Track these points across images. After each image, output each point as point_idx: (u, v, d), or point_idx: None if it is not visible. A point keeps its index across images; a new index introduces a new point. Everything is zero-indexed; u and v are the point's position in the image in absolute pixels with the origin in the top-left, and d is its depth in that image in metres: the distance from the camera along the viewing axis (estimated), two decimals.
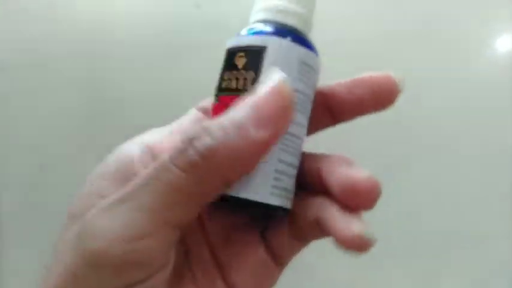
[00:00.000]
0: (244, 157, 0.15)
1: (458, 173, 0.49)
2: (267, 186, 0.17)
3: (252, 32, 0.20)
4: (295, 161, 0.19)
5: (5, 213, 0.47)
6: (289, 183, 0.18)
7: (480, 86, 0.55)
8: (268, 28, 0.19)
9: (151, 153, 0.19)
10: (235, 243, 0.20)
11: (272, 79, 0.16)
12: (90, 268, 0.16)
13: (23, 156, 0.51)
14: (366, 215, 0.19)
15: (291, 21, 0.19)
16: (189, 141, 0.15)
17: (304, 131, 0.19)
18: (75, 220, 0.18)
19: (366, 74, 0.19)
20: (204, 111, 0.22)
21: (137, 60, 0.58)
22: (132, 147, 0.20)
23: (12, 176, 0.50)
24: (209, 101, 0.21)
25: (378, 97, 0.19)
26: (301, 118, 0.19)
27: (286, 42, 0.19)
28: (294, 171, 0.19)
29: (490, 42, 0.59)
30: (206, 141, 0.15)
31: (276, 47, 0.18)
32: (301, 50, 0.19)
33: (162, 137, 0.20)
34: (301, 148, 0.19)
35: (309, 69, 0.19)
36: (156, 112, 0.54)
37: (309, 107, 0.19)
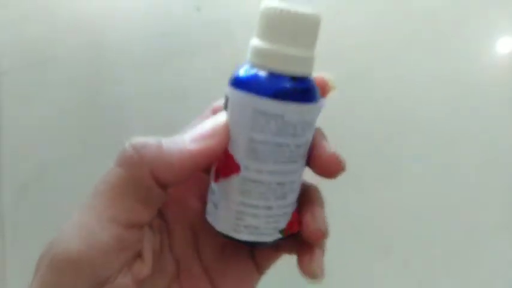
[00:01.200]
0: (173, 161, 0.18)
1: (458, 173, 0.49)
2: (229, 222, 0.20)
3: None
4: (263, 203, 0.20)
5: (5, 213, 0.48)
6: (257, 222, 0.20)
7: (479, 86, 0.55)
8: (234, 76, 0.20)
9: None
10: (228, 256, 0.22)
11: (214, 118, 0.19)
12: (54, 273, 0.17)
13: (23, 156, 0.51)
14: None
15: (262, 63, 0.19)
16: (130, 142, 0.18)
17: (280, 178, 0.20)
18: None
19: None
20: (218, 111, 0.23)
21: (137, 61, 0.58)
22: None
23: (12, 176, 0.50)
24: (220, 101, 0.22)
25: None
26: (266, 166, 0.19)
27: (238, 93, 0.19)
28: (263, 212, 0.20)
29: (490, 43, 0.59)
30: (143, 140, 0.18)
31: (231, 98, 0.20)
32: (257, 100, 0.18)
33: None
34: (275, 192, 0.20)
35: (269, 119, 0.19)
36: (155, 111, 0.54)
37: (285, 154, 0.19)
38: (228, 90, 0.20)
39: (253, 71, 0.19)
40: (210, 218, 0.21)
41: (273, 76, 0.19)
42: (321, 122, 0.52)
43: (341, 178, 0.49)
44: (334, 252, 0.44)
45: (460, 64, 0.57)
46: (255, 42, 0.20)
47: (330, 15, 0.61)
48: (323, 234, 0.20)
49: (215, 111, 0.22)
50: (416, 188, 0.48)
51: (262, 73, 0.19)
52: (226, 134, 0.19)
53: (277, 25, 0.18)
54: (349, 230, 0.46)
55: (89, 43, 0.60)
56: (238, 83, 0.19)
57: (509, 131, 0.52)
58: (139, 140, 0.18)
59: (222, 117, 0.19)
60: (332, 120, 0.53)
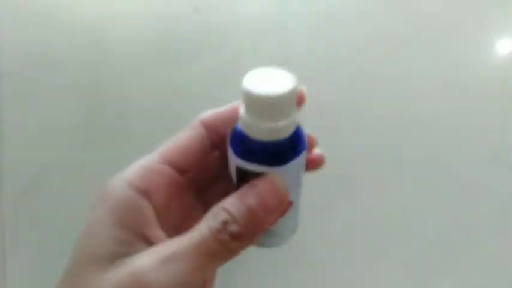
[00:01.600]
0: (254, 237, 0.22)
1: (456, 172, 0.49)
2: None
3: None
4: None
5: (6, 216, 0.48)
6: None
7: (478, 85, 0.55)
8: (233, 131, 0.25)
9: (147, 191, 0.23)
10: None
11: (273, 179, 0.23)
12: None
13: (24, 159, 0.51)
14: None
15: (244, 129, 0.24)
16: (224, 224, 0.21)
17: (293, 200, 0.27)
18: (97, 264, 0.21)
19: None
20: (205, 125, 0.26)
21: (137, 63, 0.58)
22: (122, 189, 0.23)
23: (13, 179, 0.50)
24: (209, 113, 0.25)
25: None
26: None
27: (230, 151, 0.25)
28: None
29: (489, 43, 0.59)
30: (235, 228, 0.21)
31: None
32: (237, 160, 0.24)
33: (151, 166, 0.24)
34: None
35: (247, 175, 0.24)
36: (156, 113, 0.54)
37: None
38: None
39: (238, 134, 0.24)
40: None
41: (249, 141, 0.24)
42: (322, 118, 0.52)
43: (341, 177, 0.49)
44: (334, 251, 0.44)
45: (459, 63, 0.57)
46: (241, 109, 0.24)
47: (330, 13, 0.61)
48: None
49: (205, 124, 0.25)
50: (415, 186, 0.48)
51: (242, 137, 0.24)
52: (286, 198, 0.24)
53: (251, 104, 0.23)
54: (350, 231, 0.46)
55: (90, 46, 0.60)
56: (232, 144, 0.25)
57: (507, 130, 0.52)
58: (232, 227, 0.22)
59: (283, 187, 0.23)
60: (330, 118, 0.54)
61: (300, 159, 0.26)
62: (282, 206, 0.23)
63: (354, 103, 0.54)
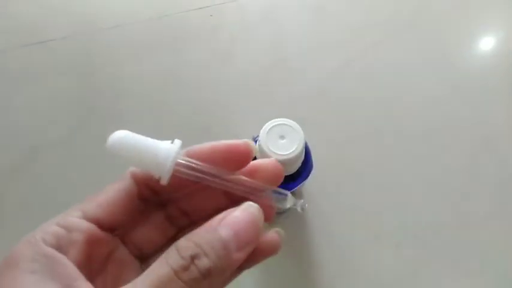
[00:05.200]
0: (225, 272, 0.19)
1: (449, 161, 0.50)
2: None
3: None
4: None
5: None
6: None
7: (473, 75, 0.56)
8: None
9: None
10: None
11: (249, 209, 0.20)
12: None
13: (14, 139, 0.51)
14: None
15: None
16: (191, 259, 0.18)
17: None
18: None
19: (222, 141, 0.23)
20: (136, 178, 0.23)
21: (131, 45, 0.58)
22: (35, 247, 0.20)
23: (2, 157, 0.50)
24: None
25: (230, 159, 0.23)
26: None
27: None
28: None
29: (483, 33, 0.60)
30: (205, 262, 0.18)
31: None
32: None
33: (66, 223, 0.21)
34: None
35: None
36: (149, 96, 0.54)
37: None
38: None
39: None
40: None
41: None
42: (316, 104, 0.51)
43: (337, 166, 0.49)
44: (327, 236, 0.45)
45: (451, 52, 0.57)
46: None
47: (321, 2, 0.61)
48: None
49: (136, 178, 0.23)
50: (408, 174, 0.49)
51: None
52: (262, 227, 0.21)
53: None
54: (341, 215, 0.47)
55: (83, 26, 0.59)
56: None
57: (501, 121, 0.52)
58: (200, 261, 0.18)
59: (259, 215, 0.21)
60: (325, 104, 0.54)
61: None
62: (257, 240, 0.20)
63: (346, 92, 0.54)
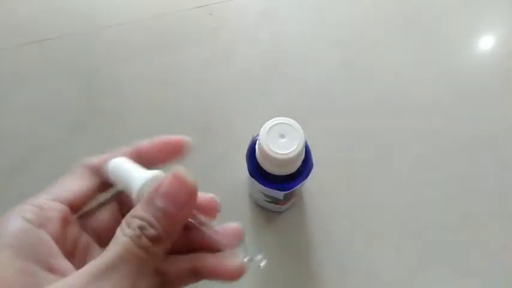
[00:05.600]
0: (173, 236, 0.23)
1: (449, 160, 0.50)
2: None
3: None
4: None
5: None
6: None
7: (469, 73, 0.55)
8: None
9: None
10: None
11: (176, 173, 0.23)
12: None
13: (13, 139, 0.51)
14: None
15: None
16: (140, 229, 0.21)
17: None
18: None
19: (163, 136, 0.29)
20: (90, 168, 0.26)
21: (131, 44, 0.58)
22: (16, 222, 0.22)
23: (1, 157, 0.50)
24: (94, 159, 0.27)
25: (169, 151, 0.29)
26: None
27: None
28: None
29: (480, 32, 0.60)
30: (152, 231, 0.21)
31: None
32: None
33: (41, 202, 0.23)
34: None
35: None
36: (149, 95, 0.54)
37: None
38: None
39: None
40: None
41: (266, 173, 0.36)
42: (316, 104, 0.51)
43: (337, 166, 0.48)
44: (327, 236, 0.45)
45: (451, 50, 0.57)
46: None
47: (321, 0, 0.61)
48: None
49: (90, 167, 0.26)
50: (408, 173, 0.49)
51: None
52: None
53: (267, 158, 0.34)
54: (341, 215, 0.47)
55: (83, 26, 0.59)
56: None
57: (499, 119, 0.52)
58: (149, 231, 0.21)
59: (185, 175, 0.23)
60: (325, 103, 0.54)
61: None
62: (192, 197, 0.23)
63: (346, 91, 0.54)
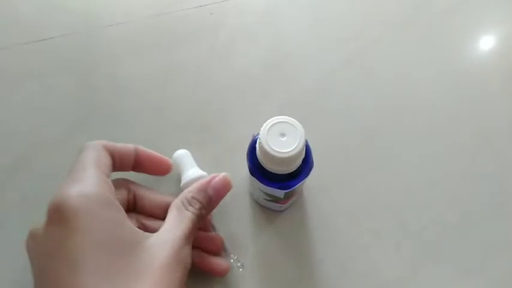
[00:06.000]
0: (208, 214, 0.37)
1: (449, 160, 0.50)
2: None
3: None
4: None
5: None
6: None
7: (473, 73, 0.55)
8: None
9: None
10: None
11: (224, 177, 0.38)
12: None
13: (13, 137, 0.51)
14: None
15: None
16: (200, 209, 0.35)
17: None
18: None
19: (157, 153, 0.41)
20: (106, 147, 0.36)
21: (131, 43, 0.58)
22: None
23: (1, 154, 0.50)
24: (107, 142, 0.36)
25: (157, 165, 0.41)
26: None
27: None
28: None
29: (483, 30, 0.59)
30: (204, 212, 0.36)
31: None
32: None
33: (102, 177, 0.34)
34: None
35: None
36: (146, 95, 0.54)
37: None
38: None
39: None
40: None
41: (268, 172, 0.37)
42: (316, 103, 0.51)
43: (337, 165, 0.48)
44: (327, 235, 0.45)
45: (453, 49, 0.57)
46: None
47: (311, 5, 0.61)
48: None
49: (105, 146, 0.36)
50: (408, 173, 0.49)
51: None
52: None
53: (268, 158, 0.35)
54: (342, 214, 0.47)
55: (81, 24, 0.59)
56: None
57: (499, 119, 0.52)
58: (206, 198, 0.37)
59: (229, 180, 0.40)
60: (325, 103, 0.54)
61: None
62: (226, 194, 0.38)
63: (346, 91, 0.54)
